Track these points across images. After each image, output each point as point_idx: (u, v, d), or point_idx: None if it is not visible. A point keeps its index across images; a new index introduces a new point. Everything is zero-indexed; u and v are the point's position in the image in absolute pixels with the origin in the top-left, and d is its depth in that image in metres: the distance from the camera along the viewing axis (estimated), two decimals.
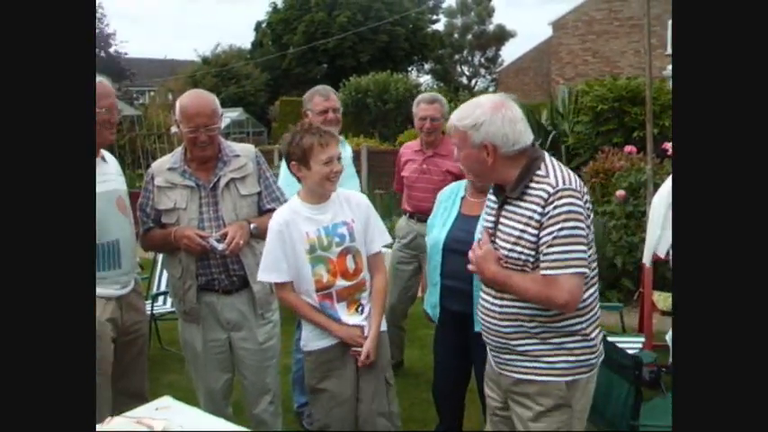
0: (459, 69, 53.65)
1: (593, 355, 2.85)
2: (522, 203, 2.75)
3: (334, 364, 3.40)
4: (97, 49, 30.86)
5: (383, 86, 23.99)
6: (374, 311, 3.45)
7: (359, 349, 3.37)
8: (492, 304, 2.88)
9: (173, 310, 6.09)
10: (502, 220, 2.85)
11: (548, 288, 2.66)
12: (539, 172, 2.75)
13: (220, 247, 3.47)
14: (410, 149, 5.51)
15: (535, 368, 2.82)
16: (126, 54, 32.92)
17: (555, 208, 2.64)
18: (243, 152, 3.75)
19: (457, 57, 52.58)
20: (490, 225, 2.94)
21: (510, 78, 37.38)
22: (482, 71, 53.86)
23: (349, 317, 3.40)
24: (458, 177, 4.42)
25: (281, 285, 3.41)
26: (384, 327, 3.54)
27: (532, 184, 2.74)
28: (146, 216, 3.72)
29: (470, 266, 2.94)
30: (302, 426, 4.78)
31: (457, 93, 28.02)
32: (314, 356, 3.44)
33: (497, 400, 3.10)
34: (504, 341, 2.87)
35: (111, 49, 31.96)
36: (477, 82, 53.08)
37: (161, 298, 6.72)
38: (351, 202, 3.46)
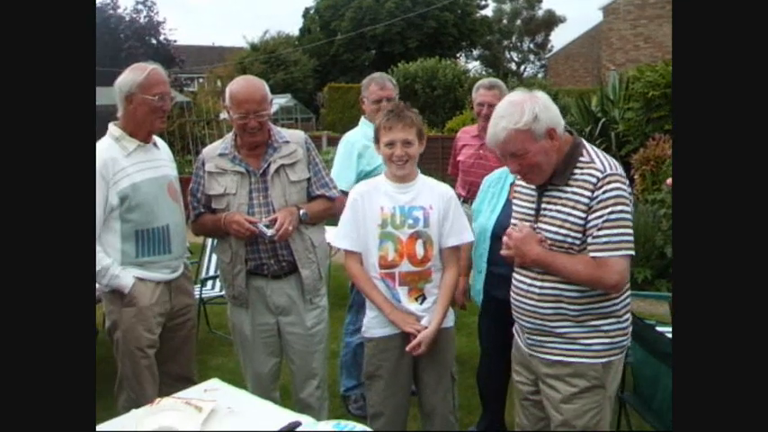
0: (508, 55, 53.29)
1: (625, 337, 2.94)
2: (568, 188, 2.80)
3: (393, 353, 3.42)
4: (148, 37, 31.23)
5: (431, 73, 23.87)
6: (439, 304, 3.42)
7: (414, 331, 3.35)
8: (530, 285, 2.94)
9: (221, 294, 6.17)
10: (544, 204, 2.89)
11: (599, 270, 2.74)
12: (582, 158, 2.82)
13: (269, 232, 3.49)
14: (468, 134, 5.45)
15: (571, 350, 2.88)
16: (175, 41, 33.20)
17: (604, 192, 2.71)
18: (293, 138, 3.76)
19: (506, 43, 52.24)
20: (530, 210, 2.97)
21: (559, 64, 37.00)
22: (531, 57, 53.45)
23: (409, 303, 3.40)
24: None
25: (350, 254, 3.47)
26: (452, 322, 3.54)
27: (577, 170, 2.80)
28: (196, 201, 3.76)
29: (504, 251, 2.96)
30: (348, 411, 4.82)
31: (506, 79, 27.81)
32: (374, 343, 3.48)
33: (528, 384, 3.14)
34: (540, 322, 2.93)
35: (161, 37, 32.24)
36: (525, 68, 52.69)
37: (210, 282, 6.79)
38: (435, 190, 3.48)
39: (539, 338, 2.96)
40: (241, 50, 40.67)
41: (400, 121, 3.34)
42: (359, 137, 4.78)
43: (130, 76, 3.59)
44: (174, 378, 3.76)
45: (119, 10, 31.23)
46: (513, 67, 51.92)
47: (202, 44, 46.85)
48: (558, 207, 2.82)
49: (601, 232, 2.71)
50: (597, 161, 2.79)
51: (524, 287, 2.97)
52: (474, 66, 46.16)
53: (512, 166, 2.88)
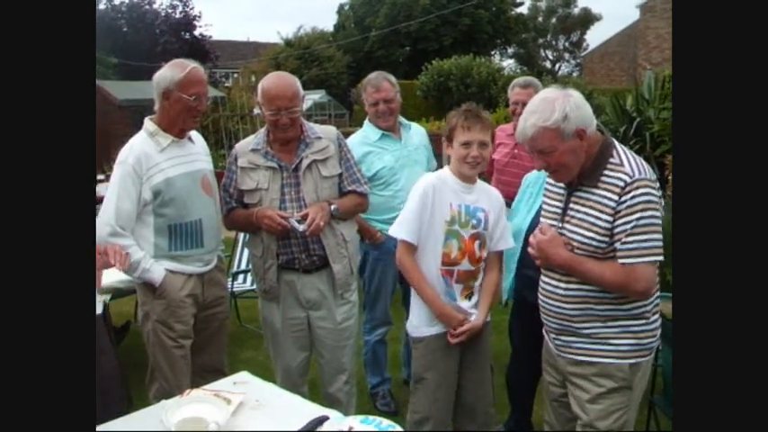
0: (543, 53, 52.99)
1: (654, 339, 2.91)
2: (596, 190, 2.77)
3: (443, 352, 3.44)
4: (183, 32, 31.43)
5: (465, 70, 23.81)
6: (483, 300, 3.48)
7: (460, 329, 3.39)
8: (555, 287, 2.94)
9: (252, 288, 6.22)
10: (572, 206, 2.87)
11: (627, 277, 2.71)
12: (612, 160, 2.77)
13: (301, 227, 3.51)
14: (504, 132, 5.39)
15: (598, 350, 2.87)
16: (210, 37, 33.38)
17: (633, 198, 2.66)
18: (325, 134, 3.78)
19: (541, 41, 51.95)
20: (557, 210, 2.96)
21: (594, 63, 36.69)
22: (566, 55, 53.12)
23: (461, 301, 3.44)
24: None
25: (406, 246, 3.44)
26: (489, 317, 3.57)
27: (607, 172, 2.76)
28: (229, 196, 3.79)
29: (531, 250, 2.98)
30: (376, 407, 4.83)
31: (540, 77, 27.64)
32: (423, 344, 3.49)
33: (557, 386, 3.14)
34: (566, 323, 2.93)
35: (196, 32, 32.46)
36: (560, 66, 52.38)
37: (241, 276, 6.84)
38: (490, 193, 3.53)
39: (565, 339, 2.97)
40: (275, 46, 40.77)
41: (479, 121, 3.34)
42: (359, 143, 4.67)
43: (169, 72, 3.60)
44: (205, 369, 3.79)
45: (154, 5, 31.51)
46: (548, 65, 51.62)
47: (237, 39, 47.03)
48: (586, 209, 2.80)
49: (629, 238, 2.68)
50: (627, 164, 2.74)
51: (550, 288, 2.97)
52: (508, 64, 46.02)
53: (539, 162, 2.86)
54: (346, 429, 2.36)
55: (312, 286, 3.75)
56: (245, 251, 6.70)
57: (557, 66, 52.48)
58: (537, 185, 3.83)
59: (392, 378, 5.07)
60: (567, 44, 52.63)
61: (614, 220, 2.70)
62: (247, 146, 3.76)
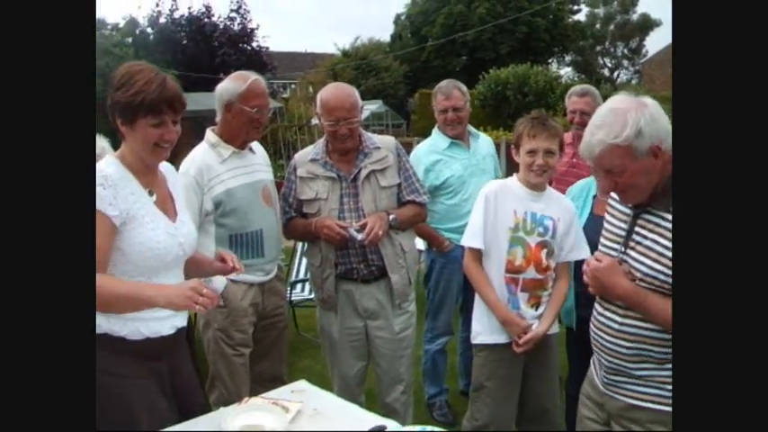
0: (601, 61, 52.40)
1: None
2: (669, 216, 2.39)
3: (503, 362, 3.42)
4: (241, 44, 31.87)
5: (523, 79, 23.70)
6: (550, 308, 3.43)
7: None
8: (609, 319, 2.60)
9: (310, 297, 6.26)
10: (638, 230, 2.51)
11: None
12: None
13: (360, 236, 3.52)
14: None
15: (654, 395, 2.53)
16: (268, 48, 33.78)
17: None
18: (384, 144, 3.79)
19: (598, 48, 51.40)
20: (619, 233, 2.62)
21: (654, 70, 36.18)
22: (625, 63, 52.44)
23: (527, 310, 3.39)
24: None
25: (472, 252, 3.46)
26: (557, 329, 3.57)
27: None
28: (288, 206, 3.82)
29: (585, 277, 2.64)
30: (433, 417, 4.81)
31: (598, 85, 27.36)
32: (486, 352, 3.48)
33: (597, 422, 2.80)
34: (618, 362, 2.58)
35: (254, 44, 32.88)
36: (619, 74, 51.73)
37: (299, 285, 6.89)
38: (561, 202, 3.48)
39: (616, 378, 2.62)
40: (332, 57, 41.10)
41: (545, 130, 3.30)
42: (428, 151, 4.72)
43: (232, 84, 3.64)
44: (265, 378, 3.82)
45: (213, 18, 32.03)
46: (606, 72, 51.01)
47: (294, 51, 47.58)
48: (655, 237, 2.43)
49: None
50: None
51: (603, 321, 2.64)
52: (566, 72, 45.59)
53: (604, 182, 2.52)
54: None
55: (370, 296, 3.76)
56: (304, 260, 6.75)
57: (615, 73, 51.84)
58: (581, 198, 3.78)
59: (449, 389, 5.05)
60: (625, 51, 51.95)
61: None
62: (306, 156, 3.79)
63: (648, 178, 2.41)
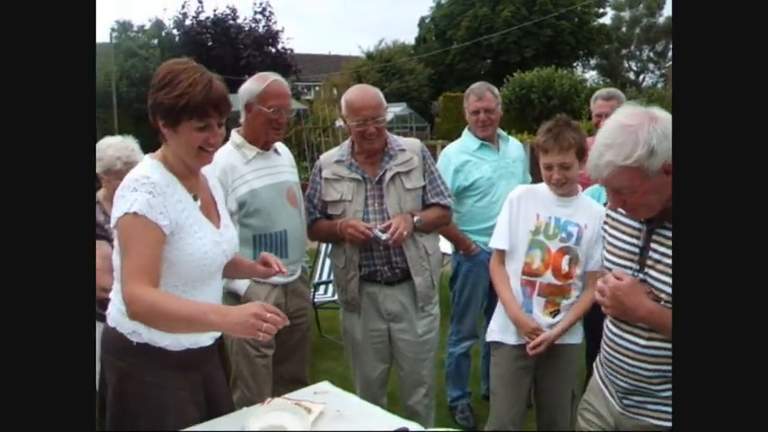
0: (627, 65, 52.07)
1: None
2: None
3: (511, 365, 3.41)
4: (266, 46, 32.00)
5: (548, 82, 23.61)
6: (567, 316, 3.35)
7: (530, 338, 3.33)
8: (631, 342, 2.45)
9: (333, 299, 6.26)
10: (655, 246, 2.36)
11: None
12: None
13: (384, 236, 3.52)
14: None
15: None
16: (292, 50, 33.91)
17: None
18: (409, 146, 3.79)
19: (624, 51, 51.07)
20: (633, 248, 2.45)
21: None
22: (650, 66, 52.04)
23: (542, 314, 3.36)
24: None
25: (498, 253, 3.52)
26: (579, 339, 3.53)
27: None
28: (313, 207, 3.83)
29: (600, 297, 2.45)
30: (455, 420, 4.80)
31: (624, 89, 27.20)
32: (497, 353, 3.51)
33: None
34: (641, 384, 2.46)
35: (279, 46, 33.01)
36: (644, 78, 51.36)
37: (322, 287, 6.90)
38: (593, 209, 3.37)
39: (637, 399, 2.51)
40: (357, 59, 41.18)
41: (557, 143, 3.24)
42: (458, 151, 4.74)
43: (251, 85, 3.67)
44: (287, 379, 3.82)
45: (238, 20, 32.19)
46: (632, 76, 50.68)
47: (319, 53, 47.71)
48: None
49: None
50: None
51: (623, 343, 2.48)
52: (591, 75, 45.36)
53: (613, 201, 2.37)
54: None
55: (394, 299, 3.75)
56: (327, 262, 6.77)
57: (641, 77, 51.50)
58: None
59: (472, 392, 5.03)
60: (651, 54, 51.56)
61: None
62: (332, 157, 3.80)
63: (660, 196, 2.25)
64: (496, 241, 3.49)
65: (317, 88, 39.75)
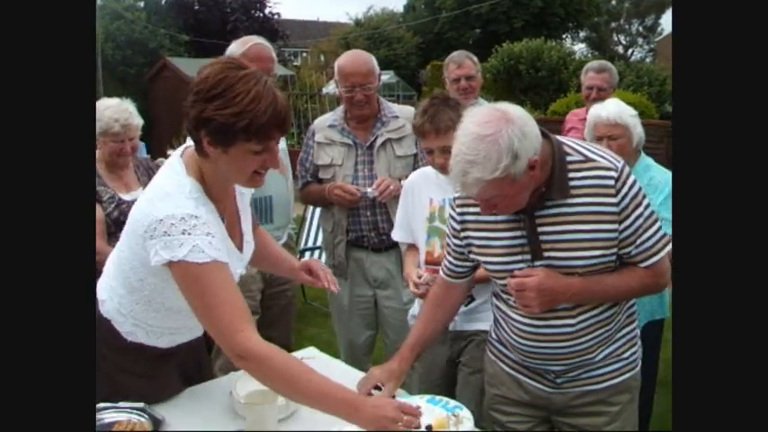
0: (615, 38, 52.00)
1: (639, 333, 2.60)
2: (573, 200, 2.26)
3: (432, 349, 2.99)
4: (253, 11, 31.69)
5: (536, 53, 23.51)
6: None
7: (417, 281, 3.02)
8: (561, 326, 2.39)
9: None
10: (546, 228, 2.30)
11: (653, 277, 2.36)
12: (569, 158, 2.28)
13: (370, 190, 3.56)
14: (576, 117, 5.34)
15: (614, 370, 2.48)
16: (280, 15, 33.61)
17: (630, 189, 2.24)
18: (402, 113, 3.77)
19: (613, 24, 50.96)
20: (517, 240, 2.36)
21: (669, 49, 35.87)
22: (639, 40, 52.01)
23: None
24: None
25: (404, 245, 3.32)
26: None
27: (572, 174, 2.26)
28: (305, 170, 3.86)
29: (521, 299, 2.35)
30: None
31: (612, 62, 27.15)
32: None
33: (528, 422, 2.64)
34: (579, 359, 2.44)
35: (266, 11, 32.71)
36: (633, 52, 51.33)
37: (308, 254, 6.89)
38: None
39: (573, 374, 2.48)
40: (345, 26, 40.89)
41: (434, 126, 2.90)
42: None
43: (233, 48, 3.68)
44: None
45: None
46: (621, 50, 50.63)
47: (307, 18, 47.35)
48: (573, 226, 2.27)
49: (644, 236, 2.28)
50: (597, 157, 2.28)
51: (551, 331, 2.40)
52: (580, 48, 45.25)
53: (484, 209, 2.28)
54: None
55: (380, 265, 3.76)
56: (314, 228, 6.77)
57: (629, 51, 51.45)
58: None
59: None
60: (640, 28, 51.51)
61: (620, 225, 2.25)
62: (325, 122, 3.81)
63: (528, 190, 2.21)
64: (398, 234, 3.29)
65: (304, 54, 39.45)
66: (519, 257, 2.36)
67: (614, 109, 3.55)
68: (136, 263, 2.21)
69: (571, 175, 2.26)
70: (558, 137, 2.35)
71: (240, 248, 2.39)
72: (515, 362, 2.59)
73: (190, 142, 2.23)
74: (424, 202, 3.12)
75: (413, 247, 3.25)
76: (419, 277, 3.00)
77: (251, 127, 2.00)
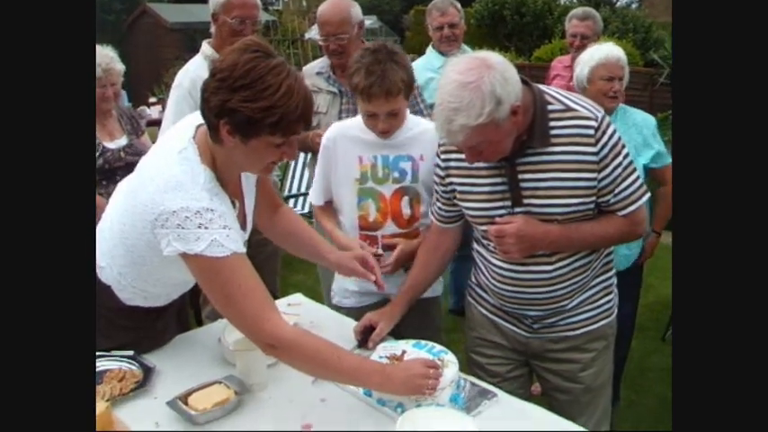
0: None
1: (615, 279, 2.65)
2: (554, 148, 2.29)
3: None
4: None
5: None
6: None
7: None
8: (539, 272, 2.44)
9: (304, 211, 6.29)
10: (527, 175, 2.33)
11: (630, 226, 2.41)
12: (551, 107, 2.31)
13: None
14: (561, 64, 5.34)
15: (589, 317, 2.55)
16: None
17: (609, 139, 2.28)
18: None
19: None
20: (498, 187, 2.39)
21: None
22: None
23: (399, 275, 2.88)
24: None
25: (319, 208, 3.10)
26: (440, 291, 3.15)
27: (553, 123, 2.29)
28: None
29: (501, 244, 2.38)
30: None
31: (598, 8, 26.91)
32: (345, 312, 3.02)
33: (506, 365, 2.71)
34: (554, 306, 2.51)
35: None
36: None
37: (292, 200, 6.90)
38: (426, 134, 2.80)
39: (550, 320, 2.56)
40: None
41: (383, 90, 2.61)
42: (422, 68, 4.67)
43: None
44: None
45: None
46: None
47: None
48: (553, 174, 2.30)
49: (623, 185, 2.33)
50: (578, 107, 2.30)
51: (529, 276, 2.45)
52: None
53: (470, 156, 2.29)
54: (399, 353, 2.38)
55: None
56: (298, 174, 6.77)
57: None
58: None
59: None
60: None
61: (598, 174, 2.29)
62: (313, 69, 3.81)
63: (511, 137, 2.24)
64: (315, 196, 3.05)
65: None
66: (500, 204, 2.40)
67: (619, 50, 3.62)
68: (140, 242, 2.17)
69: (552, 123, 2.28)
70: (540, 86, 2.37)
71: (243, 227, 2.38)
72: (494, 306, 2.67)
73: (196, 118, 2.18)
74: (351, 162, 2.86)
75: (328, 204, 3.05)
76: (377, 256, 2.81)
77: (281, 122, 1.93)
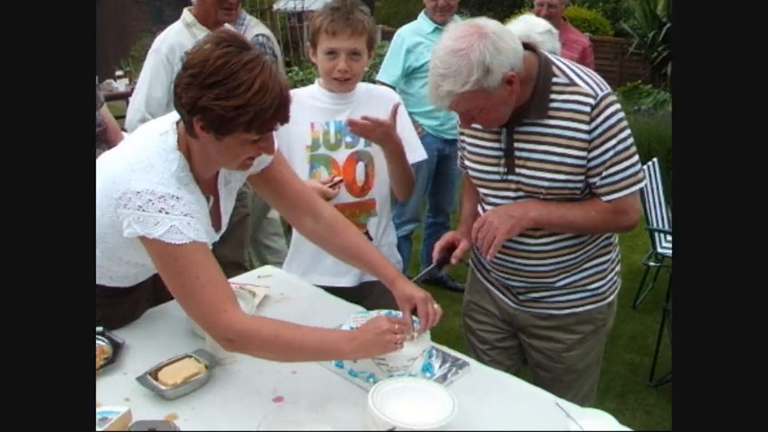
0: None
1: (618, 268, 2.67)
2: (550, 121, 2.29)
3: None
4: None
5: None
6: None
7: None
8: (522, 243, 2.45)
9: None
10: (521, 144, 2.35)
11: (617, 215, 2.36)
12: (556, 80, 2.29)
13: None
14: None
15: (577, 299, 2.56)
16: None
17: (606, 120, 2.25)
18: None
19: None
20: (495, 151, 2.43)
21: None
22: None
23: None
24: None
25: None
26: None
27: (554, 96, 2.28)
28: None
29: (480, 232, 2.39)
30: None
31: None
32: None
33: (496, 332, 2.75)
34: (539, 280, 2.53)
35: None
36: None
37: None
38: (379, 97, 2.84)
39: (535, 295, 2.57)
40: None
41: (348, 25, 2.60)
42: (411, 32, 4.81)
43: None
44: (224, 263, 3.81)
45: None
46: None
47: None
48: (545, 147, 2.31)
49: (612, 169, 2.29)
50: (581, 82, 2.28)
51: (516, 246, 2.46)
52: None
53: (463, 121, 2.34)
54: None
55: None
56: None
57: None
58: None
59: (411, 277, 5.11)
60: None
61: (588, 153, 2.27)
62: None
63: (507, 105, 2.25)
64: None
65: None
66: (495, 168, 2.44)
67: (522, 27, 3.52)
68: (104, 219, 2.09)
69: (553, 96, 2.28)
70: (552, 56, 2.36)
71: (217, 227, 2.33)
72: (489, 272, 2.70)
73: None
74: (302, 128, 2.76)
75: None
76: (330, 185, 2.74)
77: (255, 120, 1.87)
